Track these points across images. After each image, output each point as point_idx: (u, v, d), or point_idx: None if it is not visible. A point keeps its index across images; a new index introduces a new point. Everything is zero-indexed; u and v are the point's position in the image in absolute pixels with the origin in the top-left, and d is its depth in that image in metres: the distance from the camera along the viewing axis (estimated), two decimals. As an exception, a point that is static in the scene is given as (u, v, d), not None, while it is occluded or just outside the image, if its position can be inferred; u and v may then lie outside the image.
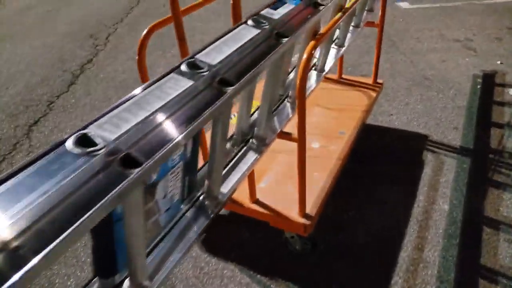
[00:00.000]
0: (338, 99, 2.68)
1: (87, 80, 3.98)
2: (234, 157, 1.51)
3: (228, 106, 1.12)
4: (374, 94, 2.68)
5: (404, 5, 5.38)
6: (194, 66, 1.08)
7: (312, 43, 1.49)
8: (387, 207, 2.30)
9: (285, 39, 1.29)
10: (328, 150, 2.24)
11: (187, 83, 1.02)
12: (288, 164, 2.15)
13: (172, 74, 1.05)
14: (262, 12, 1.39)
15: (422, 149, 2.73)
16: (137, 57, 1.79)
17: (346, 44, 2.25)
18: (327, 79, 2.89)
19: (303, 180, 1.75)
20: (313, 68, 2.01)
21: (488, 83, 3.51)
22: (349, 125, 2.40)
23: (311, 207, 1.90)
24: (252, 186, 1.91)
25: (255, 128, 1.56)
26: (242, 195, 1.96)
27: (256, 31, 1.27)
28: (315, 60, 2.07)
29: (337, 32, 2.26)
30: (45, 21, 5.65)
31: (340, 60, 2.84)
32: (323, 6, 1.52)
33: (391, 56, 4.04)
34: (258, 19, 1.34)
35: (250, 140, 1.57)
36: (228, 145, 1.58)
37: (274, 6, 1.44)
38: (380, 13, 2.52)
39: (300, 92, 1.50)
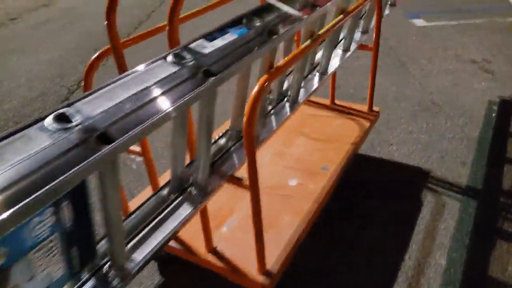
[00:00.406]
0: (326, 128, 2.34)
1: (79, 96, 3.78)
2: (165, 209, 1.22)
3: (113, 165, 0.83)
4: (367, 124, 2.33)
5: (419, 22, 4.99)
6: (62, 118, 0.80)
7: (263, 78, 1.18)
8: (374, 258, 1.93)
9: (213, 78, 0.99)
10: (306, 188, 1.91)
11: (43, 143, 0.74)
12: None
13: (27, 130, 0.77)
14: (192, 45, 1.10)
15: (421, 187, 2.35)
16: (82, 84, 1.56)
17: (330, 70, 1.93)
18: (318, 104, 2.57)
19: (259, 234, 1.43)
20: (285, 99, 1.70)
21: (505, 111, 3.09)
22: (334, 159, 2.06)
23: (275, 261, 1.57)
24: (207, 231, 1.60)
25: (194, 174, 1.26)
26: (198, 241, 1.65)
27: (174, 69, 0.98)
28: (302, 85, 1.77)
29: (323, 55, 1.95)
30: (58, 35, 5.56)
31: (332, 83, 2.51)
32: (276, 36, 1.22)
33: (398, 78, 3.66)
34: (181, 53, 1.05)
35: (189, 188, 1.28)
36: (165, 192, 1.29)
37: (211, 37, 1.15)
38: (374, 35, 2.18)
39: (247, 134, 1.19)
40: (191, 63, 1.01)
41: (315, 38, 1.41)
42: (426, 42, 4.40)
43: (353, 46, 2.20)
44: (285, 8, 1.29)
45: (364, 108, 2.47)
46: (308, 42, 1.39)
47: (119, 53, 1.35)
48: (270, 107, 1.68)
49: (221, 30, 1.17)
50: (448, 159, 2.56)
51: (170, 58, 1.02)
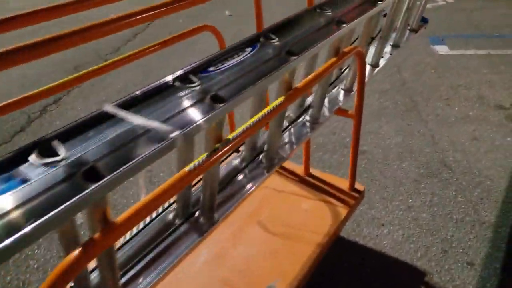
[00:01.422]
0: (290, 213, 1.86)
1: (38, 127, 3.41)
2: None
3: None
4: (344, 211, 1.83)
5: (442, 49, 4.41)
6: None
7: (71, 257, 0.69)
8: None
9: None
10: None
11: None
12: None
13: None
14: None
15: (411, 299, 1.83)
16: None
17: (280, 157, 1.43)
18: (289, 173, 2.09)
19: None
20: (197, 211, 1.22)
21: (535, 182, 2.52)
22: (288, 272, 1.57)
23: None
24: None
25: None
26: None
27: None
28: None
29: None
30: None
31: (306, 149, 2.03)
32: (103, 181, 0.67)
33: (406, 125, 3.12)
34: None
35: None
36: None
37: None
38: (355, 100, 1.68)
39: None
40: None
41: (223, 146, 0.92)
42: (447, 77, 3.82)
43: (326, 114, 1.70)
44: (136, 120, 0.80)
45: (346, 184, 1.97)
46: (217, 147, 0.89)
47: None
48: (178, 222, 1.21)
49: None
50: (451, 254, 2.03)
51: None
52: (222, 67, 0.99)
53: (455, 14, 5.44)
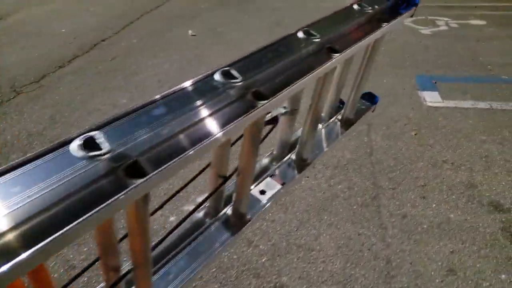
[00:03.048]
0: None
1: None
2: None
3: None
4: None
5: (432, 98, 3.36)
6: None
7: None
8: None
9: None
10: None
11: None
12: None
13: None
14: None
15: None
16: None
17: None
18: None
19: None
20: None
21: None
22: None
23: None
24: None
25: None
26: None
27: None
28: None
29: None
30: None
31: None
32: None
33: (356, 234, 2.12)
34: None
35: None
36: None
37: None
38: None
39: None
40: None
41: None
42: (430, 145, 2.79)
43: None
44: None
45: None
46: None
47: None
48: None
49: None
50: None
51: None
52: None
53: (456, 45, 4.35)
